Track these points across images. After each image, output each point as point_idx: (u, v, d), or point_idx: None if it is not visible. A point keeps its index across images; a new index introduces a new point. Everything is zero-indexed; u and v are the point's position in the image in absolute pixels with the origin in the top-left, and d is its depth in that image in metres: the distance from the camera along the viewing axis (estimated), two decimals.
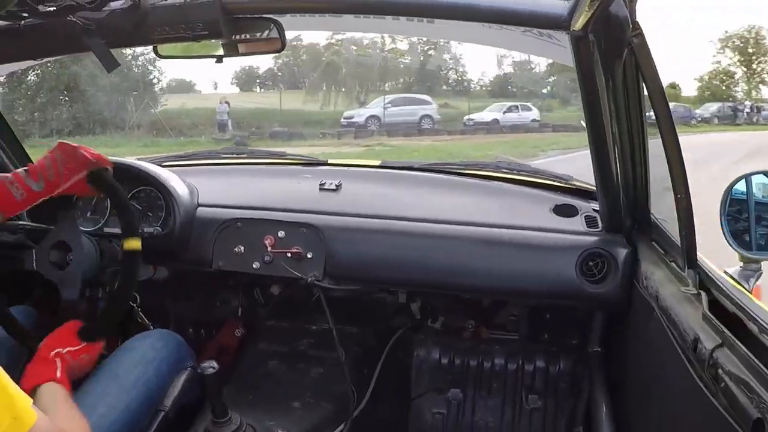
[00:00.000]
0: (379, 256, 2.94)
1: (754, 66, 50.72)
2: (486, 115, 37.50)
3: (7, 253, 2.72)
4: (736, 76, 49.56)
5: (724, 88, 49.43)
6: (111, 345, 2.77)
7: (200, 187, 3.24)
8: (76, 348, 2.34)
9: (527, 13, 2.13)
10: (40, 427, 1.65)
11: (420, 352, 3.41)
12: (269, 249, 2.97)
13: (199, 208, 3.13)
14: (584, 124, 2.44)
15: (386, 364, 3.17)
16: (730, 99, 45.10)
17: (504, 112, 37.38)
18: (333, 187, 3.25)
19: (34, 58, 2.88)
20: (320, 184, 3.27)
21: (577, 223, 2.97)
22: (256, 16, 2.43)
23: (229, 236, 3.05)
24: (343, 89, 41.24)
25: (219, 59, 2.67)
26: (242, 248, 3.02)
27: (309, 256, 2.95)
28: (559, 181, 3.35)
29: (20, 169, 2.55)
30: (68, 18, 2.29)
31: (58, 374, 2.18)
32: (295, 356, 3.04)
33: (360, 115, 36.17)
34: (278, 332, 3.24)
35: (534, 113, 37.74)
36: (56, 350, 2.28)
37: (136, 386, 2.42)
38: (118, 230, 2.63)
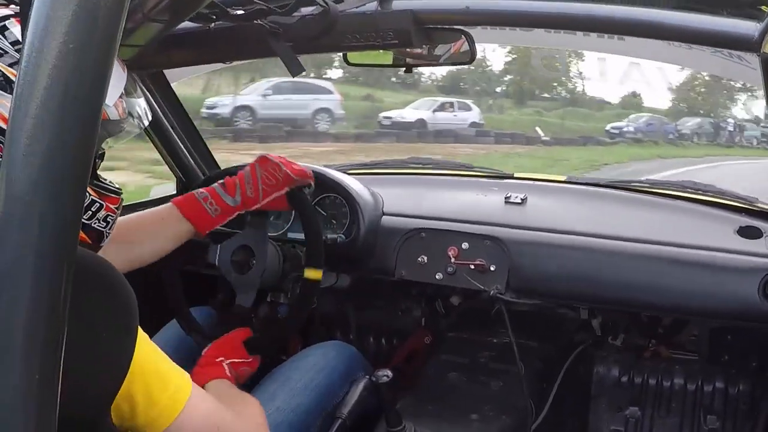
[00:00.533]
0: (563, 271, 2.93)
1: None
2: (409, 114, 29.33)
3: (193, 252, 2.85)
4: (716, 89, 44.12)
5: (701, 100, 44.44)
6: (290, 351, 2.89)
7: (385, 196, 3.31)
8: (239, 360, 2.45)
9: (717, 33, 2.11)
10: (195, 404, 1.72)
11: (600, 369, 3.40)
12: (453, 260, 3.00)
13: (384, 217, 3.19)
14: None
15: (565, 380, 3.17)
16: (711, 114, 40.61)
17: (434, 111, 29.47)
18: (518, 200, 3.26)
19: (222, 61, 2.97)
20: (505, 198, 3.28)
21: (762, 245, 2.90)
22: (447, 27, 2.47)
23: (413, 246, 3.09)
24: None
25: (408, 69, 2.74)
26: (425, 258, 3.05)
27: (492, 268, 2.96)
28: (744, 203, 3.28)
29: (216, 183, 2.66)
30: (256, 21, 2.36)
31: (228, 373, 2.31)
32: (475, 368, 3.05)
33: (224, 104, 26.04)
34: (459, 344, 3.26)
35: (474, 114, 30.55)
36: (221, 358, 2.39)
37: (306, 391, 2.51)
38: (302, 236, 2.74)
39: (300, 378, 2.56)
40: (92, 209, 1.85)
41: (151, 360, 1.65)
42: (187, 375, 1.77)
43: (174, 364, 1.74)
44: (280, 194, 2.63)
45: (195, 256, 2.81)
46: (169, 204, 2.61)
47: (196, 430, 1.76)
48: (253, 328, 2.61)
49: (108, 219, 1.91)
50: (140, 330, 1.58)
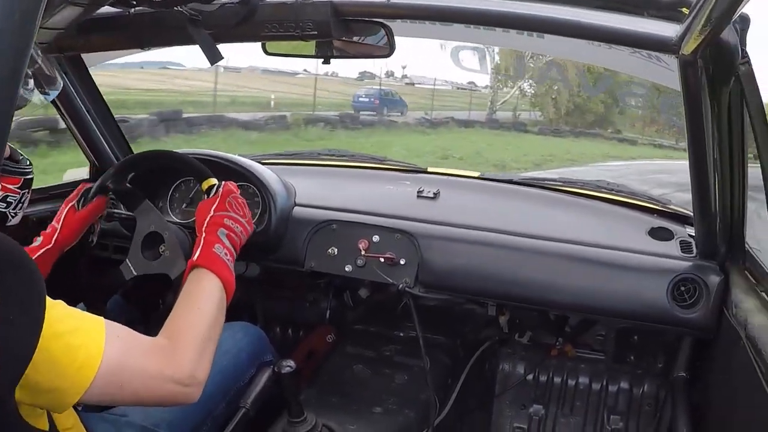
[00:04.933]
0: (472, 267, 2.91)
1: None
2: None
3: (103, 241, 2.78)
4: None
5: None
6: None
7: (298, 187, 3.26)
8: (218, 199, 2.41)
9: (637, 35, 2.09)
10: (105, 371, 1.60)
11: (506, 366, 3.42)
12: (363, 253, 2.97)
13: (296, 208, 3.15)
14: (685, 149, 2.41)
15: (471, 376, 3.15)
16: None
17: None
18: (431, 195, 3.24)
19: (141, 47, 2.92)
20: (418, 192, 3.27)
21: (672, 247, 2.92)
22: (366, 19, 2.44)
23: (324, 237, 3.05)
24: None
25: (326, 60, 2.69)
26: (336, 250, 3.02)
27: (402, 262, 2.94)
28: (656, 204, 3.30)
29: None
30: (176, 8, 2.32)
31: (195, 257, 2.17)
32: (381, 361, 3.04)
33: None
34: (365, 336, 3.24)
35: None
36: (204, 224, 2.32)
37: (212, 373, 2.46)
38: None
39: None
40: None
41: (59, 332, 1.57)
42: (99, 331, 1.64)
43: (85, 324, 1.62)
44: (68, 210, 2.59)
45: (115, 281, 2.71)
46: None
47: (107, 389, 1.67)
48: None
49: (7, 199, 1.85)
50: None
